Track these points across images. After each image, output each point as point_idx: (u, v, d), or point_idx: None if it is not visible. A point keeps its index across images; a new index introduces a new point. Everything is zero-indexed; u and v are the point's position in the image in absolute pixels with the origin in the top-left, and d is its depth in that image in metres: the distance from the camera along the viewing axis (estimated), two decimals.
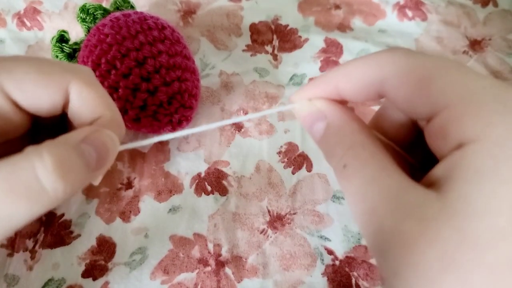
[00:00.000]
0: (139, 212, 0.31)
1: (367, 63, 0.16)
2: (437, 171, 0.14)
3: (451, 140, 0.14)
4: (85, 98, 0.18)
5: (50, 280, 0.28)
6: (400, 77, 0.15)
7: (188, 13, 0.40)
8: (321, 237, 0.29)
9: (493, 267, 0.12)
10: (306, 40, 0.39)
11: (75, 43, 0.33)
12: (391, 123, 0.18)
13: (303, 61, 0.38)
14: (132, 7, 0.35)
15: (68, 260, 0.29)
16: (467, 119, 0.13)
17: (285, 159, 0.33)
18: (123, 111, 0.29)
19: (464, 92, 0.14)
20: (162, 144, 0.34)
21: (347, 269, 0.28)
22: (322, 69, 0.37)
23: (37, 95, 0.17)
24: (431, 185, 0.14)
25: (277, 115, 0.35)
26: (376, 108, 0.35)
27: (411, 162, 0.18)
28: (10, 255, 0.29)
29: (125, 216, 0.31)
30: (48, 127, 0.20)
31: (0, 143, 0.18)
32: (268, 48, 0.39)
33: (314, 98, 0.18)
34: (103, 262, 0.29)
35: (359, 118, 0.17)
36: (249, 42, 0.39)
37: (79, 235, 0.30)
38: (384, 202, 0.14)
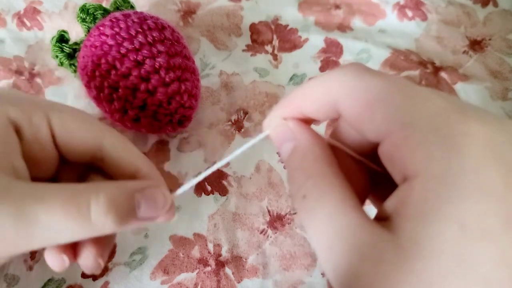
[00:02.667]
0: None
1: (321, 83, 0.16)
2: (389, 204, 0.14)
3: (397, 170, 0.14)
4: (121, 150, 0.20)
5: (50, 280, 0.28)
6: (349, 99, 0.15)
7: (188, 13, 0.40)
8: None
9: None
10: (306, 40, 0.39)
11: (75, 43, 0.33)
12: (353, 137, 0.18)
13: (303, 61, 0.38)
14: (132, 7, 0.35)
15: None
16: (407, 150, 0.13)
17: None
18: (123, 111, 0.29)
19: (405, 120, 0.13)
20: (162, 144, 0.34)
21: None
22: (322, 69, 0.37)
23: (76, 137, 0.20)
24: (385, 218, 0.14)
25: None
26: None
27: (378, 170, 0.17)
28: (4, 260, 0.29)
29: None
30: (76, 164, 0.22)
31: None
32: (268, 48, 0.39)
33: (288, 118, 0.17)
34: None
35: (325, 145, 0.17)
36: (249, 42, 0.39)
37: None
38: (341, 241, 0.14)
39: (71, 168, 0.21)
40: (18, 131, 0.18)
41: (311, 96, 0.17)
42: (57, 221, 0.16)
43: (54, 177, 0.21)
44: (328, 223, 0.14)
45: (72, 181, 0.22)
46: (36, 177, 0.20)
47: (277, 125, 0.18)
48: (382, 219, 0.14)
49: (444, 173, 0.12)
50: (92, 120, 0.20)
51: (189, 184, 0.19)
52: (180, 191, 0.19)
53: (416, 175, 0.13)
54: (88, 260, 0.20)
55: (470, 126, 0.13)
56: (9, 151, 0.18)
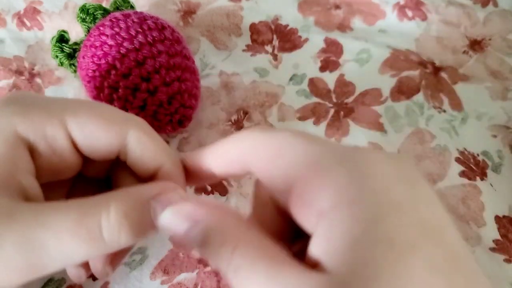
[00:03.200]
0: None
1: (231, 143, 0.17)
2: (314, 249, 0.14)
3: (311, 210, 0.14)
4: (145, 146, 0.19)
5: (50, 280, 0.28)
6: (255, 153, 0.16)
7: (188, 13, 0.40)
8: None
9: None
10: (306, 40, 0.39)
11: (75, 43, 0.33)
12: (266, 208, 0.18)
13: (303, 61, 0.38)
14: (132, 7, 0.35)
15: None
16: (318, 187, 0.14)
17: None
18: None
19: (309, 160, 0.14)
20: None
21: None
22: (322, 69, 0.37)
23: (97, 138, 0.18)
24: (316, 265, 0.13)
25: (277, 115, 0.35)
26: (376, 107, 0.35)
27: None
28: None
29: None
30: (91, 177, 0.21)
31: (49, 183, 0.19)
32: (268, 48, 0.39)
33: (176, 205, 0.16)
34: None
35: (231, 211, 0.16)
36: (249, 42, 0.39)
37: None
38: None
39: (97, 164, 0.20)
40: (30, 147, 0.17)
41: (219, 154, 0.17)
42: (67, 247, 0.15)
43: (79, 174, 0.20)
44: (268, 287, 0.13)
45: (98, 176, 0.21)
46: (57, 183, 0.19)
47: (168, 217, 0.16)
48: (314, 267, 0.13)
49: (358, 197, 0.13)
50: (112, 114, 0.19)
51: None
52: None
53: (332, 207, 0.13)
54: (95, 267, 0.19)
55: (368, 156, 0.14)
56: (17, 170, 0.16)
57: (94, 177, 0.21)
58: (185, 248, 0.17)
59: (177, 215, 0.15)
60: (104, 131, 0.18)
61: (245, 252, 0.14)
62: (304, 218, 0.14)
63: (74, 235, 0.15)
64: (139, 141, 0.18)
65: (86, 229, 0.15)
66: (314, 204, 0.14)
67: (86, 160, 0.19)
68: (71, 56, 0.33)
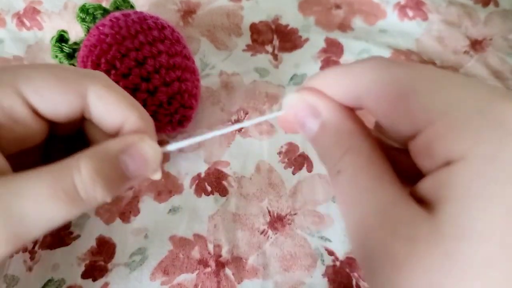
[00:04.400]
0: (139, 212, 0.31)
1: (344, 73, 0.16)
2: (425, 187, 0.13)
3: (438, 158, 0.13)
4: (106, 101, 0.18)
5: (49, 280, 0.28)
6: (378, 92, 0.14)
7: (188, 13, 0.40)
8: (321, 237, 0.29)
9: None
10: (307, 40, 0.39)
11: (75, 43, 0.33)
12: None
13: (304, 61, 0.38)
14: (132, 7, 0.35)
15: (67, 261, 0.29)
16: (453, 136, 0.12)
17: (286, 160, 0.33)
18: None
19: (447, 106, 0.13)
20: (162, 144, 0.33)
21: (347, 270, 0.28)
22: (322, 69, 0.37)
23: (56, 101, 0.17)
24: (419, 201, 0.13)
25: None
26: None
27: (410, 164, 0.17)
28: (10, 256, 0.29)
29: (125, 217, 0.31)
30: (65, 136, 0.20)
31: (18, 152, 0.18)
32: (269, 48, 0.39)
33: (305, 92, 0.16)
34: (103, 263, 0.29)
35: (356, 116, 0.16)
36: (249, 42, 0.39)
37: (78, 236, 0.30)
38: (374, 215, 0.13)
39: (66, 124, 0.19)
40: None
41: (333, 88, 0.16)
42: (48, 211, 0.15)
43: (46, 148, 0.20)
44: (363, 197, 0.14)
45: (71, 134, 0.20)
46: (27, 150, 0.19)
47: (295, 102, 0.16)
48: (416, 200, 0.13)
49: (494, 154, 0.12)
50: (68, 74, 0.18)
51: (183, 143, 0.18)
52: (171, 147, 0.18)
53: (462, 158, 0.12)
54: None
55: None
56: None
57: (67, 135, 0.21)
58: (293, 130, 0.17)
59: (302, 101, 0.16)
60: (61, 92, 0.17)
61: (355, 158, 0.14)
62: (427, 160, 0.14)
63: (53, 198, 0.15)
64: (100, 97, 0.18)
65: (63, 191, 0.15)
66: (444, 151, 0.13)
67: (53, 122, 0.19)
68: (71, 56, 0.33)
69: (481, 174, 0.12)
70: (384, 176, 0.14)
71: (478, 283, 0.11)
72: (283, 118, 0.18)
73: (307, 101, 0.16)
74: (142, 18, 0.30)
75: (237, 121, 0.34)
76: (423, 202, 0.13)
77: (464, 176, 0.12)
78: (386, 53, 0.38)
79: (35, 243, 0.30)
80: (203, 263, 0.29)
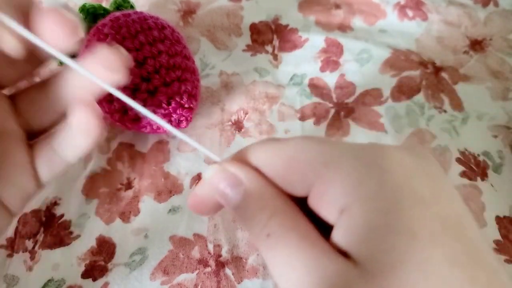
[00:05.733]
0: (139, 212, 0.31)
1: (242, 154, 0.17)
2: (336, 237, 0.14)
3: (332, 208, 0.14)
4: None
5: (49, 280, 0.28)
6: (270, 163, 0.16)
7: (188, 13, 0.40)
8: None
9: None
10: (307, 40, 0.39)
11: None
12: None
13: (304, 61, 0.38)
14: (132, 7, 0.35)
15: (68, 261, 0.29)
16: (337, 185, 0.14)
17: None
18: (123, 111, 0.29)
19: (325, 160, 0.14)
20: (162, 144, 0.33)
21: None
22: (322, 69, 0.37)
23: None
24: (339, 251, 0.14)
25: (278, 115, 0.35)
26: (376, 108, 0.35)
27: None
28: (10, 255, 0.29)
29: (125, 217, 0.31)
30: None
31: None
32: (268, 48, 0.39)
33: (225, 162, 0.17)
34: (103, 263, 0.29)
35: (273, 183, 0.16)
36: (249, 42, 0.39)
37: (79, 236, 0.30)
38: (309, 274, 0.14)
39: None
40: None
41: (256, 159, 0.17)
42: None
43: None
44: (295, 256, 0.14)
45: None
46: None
47: (216, 173, 0.17)
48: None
49: (378, 193, 0.13)
50: None
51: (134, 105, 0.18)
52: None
53: (353, 202, 0.13)
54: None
55: (387, 151, 0.14)
56: None
57: None
58: (202, 211, 0.18)
59: (221, 173, 0.16)
60: None
61: (281, 220, 0.15)
62: (326, 213, 0.15)
63: None
64: None
65: None
66: (335, 201, 0.14)
67: None
68: (71, 56, 0.33)
69: (375, 212, 0.13)
70: (310, 234, 0.14)
71: None
72: (195, 199, 0.18)
73: (227, 171, 0.16)
74: (142, 18, 0.30)
75: (237, 121, 0.35)
76: (341, 251, 0.14)
77: (362, 218, 0.13)
78: (386, 53, 0.38)
79: (35, 243, 0.30)
80: (203, 263, 0.29)
